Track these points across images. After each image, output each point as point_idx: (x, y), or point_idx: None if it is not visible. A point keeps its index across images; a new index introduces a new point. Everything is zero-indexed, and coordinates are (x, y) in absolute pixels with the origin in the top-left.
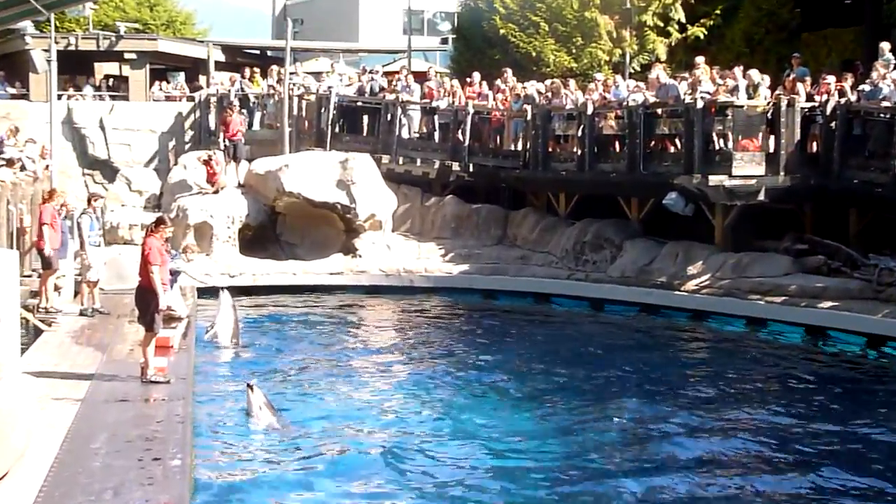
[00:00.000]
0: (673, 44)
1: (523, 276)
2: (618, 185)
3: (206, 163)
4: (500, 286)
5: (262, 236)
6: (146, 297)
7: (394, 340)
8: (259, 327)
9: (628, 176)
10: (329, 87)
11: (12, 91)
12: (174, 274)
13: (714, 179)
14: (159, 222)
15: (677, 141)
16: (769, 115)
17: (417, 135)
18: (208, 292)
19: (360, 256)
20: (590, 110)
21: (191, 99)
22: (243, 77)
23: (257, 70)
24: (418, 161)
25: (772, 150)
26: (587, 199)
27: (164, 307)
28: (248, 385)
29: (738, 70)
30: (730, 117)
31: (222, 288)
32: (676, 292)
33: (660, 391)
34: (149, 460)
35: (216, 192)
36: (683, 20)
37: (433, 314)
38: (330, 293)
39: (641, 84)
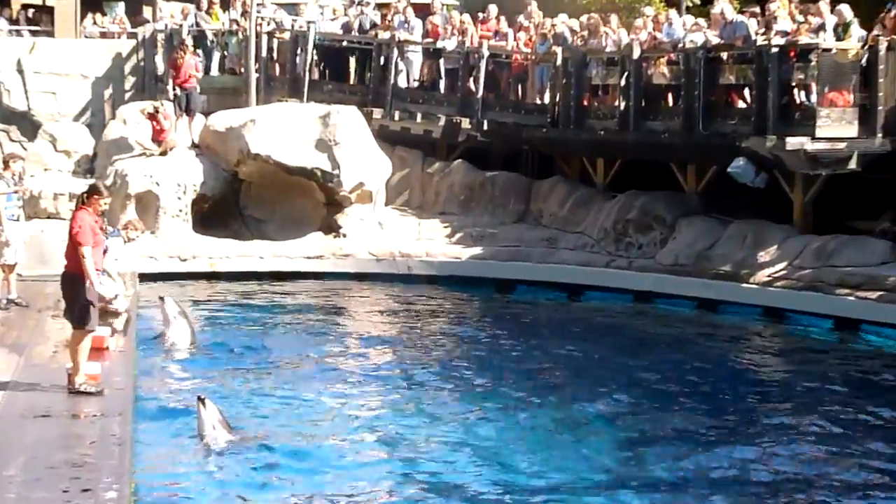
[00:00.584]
0: None
1: (550, 262)
2: (670, 148)
3: (152, 117)
4: (520, 275)
5: (221, 210)
6: (75, 286)
7: (384, 342)
8: (217, 324)
9: (684, 137)
10: (307, 23)
11: None
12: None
13: (793, 142)
14: (93, 192)
15: (746, 93)
16: (863, 61)
17: (418, 83)
18: (155, 279)
19: (344, 236)
20: (636, 54)
21: (132, 36)
22: (199, 9)
23: (216, 0)
24: (419, 117)
25: (866, 105)
26: (632, 167)
27: (97, 299)
28: (200, 399)
29: (823, 4)
30: (813, 64)
31: (161, 297)
32: (744, 285)
33: (725, 419)
34: (77, 492)
35: (164, 153)
36: None
37: (435, 310)
38: (306, 281)
39: (702, 21)
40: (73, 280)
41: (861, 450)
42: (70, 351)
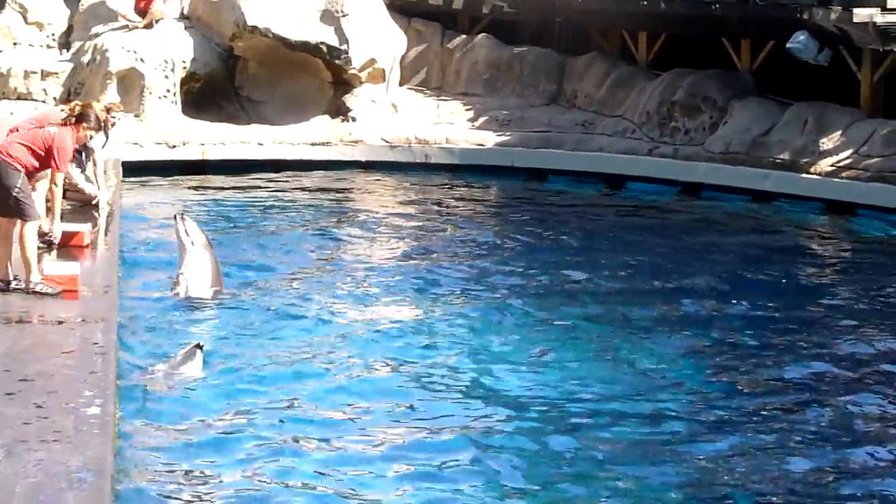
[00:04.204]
0: None
1: (586, 150)
2: (722, 20)
3: None
4: (553, 164)
5: (214, 91)
6: (9, 176)
7: (398, 241)
8: (207, 220)
9: (737, 8)
10: None
11: None
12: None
13: (861, 14)
14: (82, 119)
15: None
16: None
17: None
18: (140, 168)
19: (353, 120)
20: None
21: None
22: None
23: None
24: None
25: None
26: (678, 41)
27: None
28: (198, 346)
29: None
30: None
31: (178, 216)
32: (805, 175)
33: (787, 330)
34: (55, 407)
35: (149, 25)
36: None
37: (456, 203)
38: (310, 171)
39: None
40: (7, 170)
41: None
42: (21, 247)
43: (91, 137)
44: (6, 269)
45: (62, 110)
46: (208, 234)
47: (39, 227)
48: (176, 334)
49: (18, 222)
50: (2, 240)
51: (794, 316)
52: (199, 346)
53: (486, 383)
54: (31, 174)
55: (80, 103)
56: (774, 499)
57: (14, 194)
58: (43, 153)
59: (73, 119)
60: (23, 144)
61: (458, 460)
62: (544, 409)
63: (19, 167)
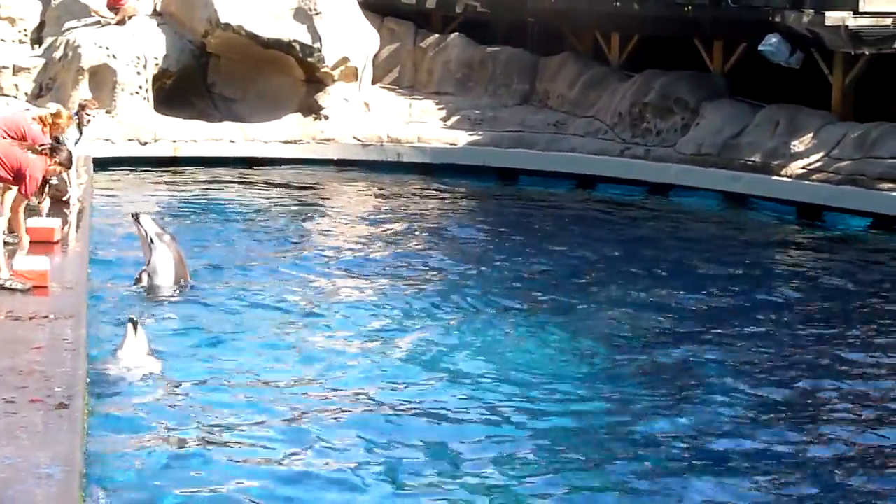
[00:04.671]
0: None
1: (558, 150)
2: (694, 22)
3: None
4: (524, 164)
5: (186, 87)
6: None
7: (369, 240)
8: (178, 217)
9: (710, 10)
10: None
11: None
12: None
13: (833, 17)
14: (55, 152)
15: None
16: None
17: None
18: (112, 164)
19: (325, 118)
20: None
21: None
22: None
23: None
24: None
25: None
26: (650, 43)
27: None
28: (132, 321)
29: None
30: None
31: (134, 215)
32: (776, 177)
33: (754, 331)
34: (24, 402)
35: (121, 21)
36: None
37: (428, 202)
38: (282, 168)
39: None
40: None
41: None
42: None
43: (59, 172)
44: None
45: (33, 118)
46: (168, 229)
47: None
48: (145, 329)
49: None
50: None
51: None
52: (132, 321)
53: (454, 375)
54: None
55: (51, 112)
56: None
57: None
58: (12, 174)
59: (46, 148)
60: None
61: (444, 468)
62: (513, 397)
63: None
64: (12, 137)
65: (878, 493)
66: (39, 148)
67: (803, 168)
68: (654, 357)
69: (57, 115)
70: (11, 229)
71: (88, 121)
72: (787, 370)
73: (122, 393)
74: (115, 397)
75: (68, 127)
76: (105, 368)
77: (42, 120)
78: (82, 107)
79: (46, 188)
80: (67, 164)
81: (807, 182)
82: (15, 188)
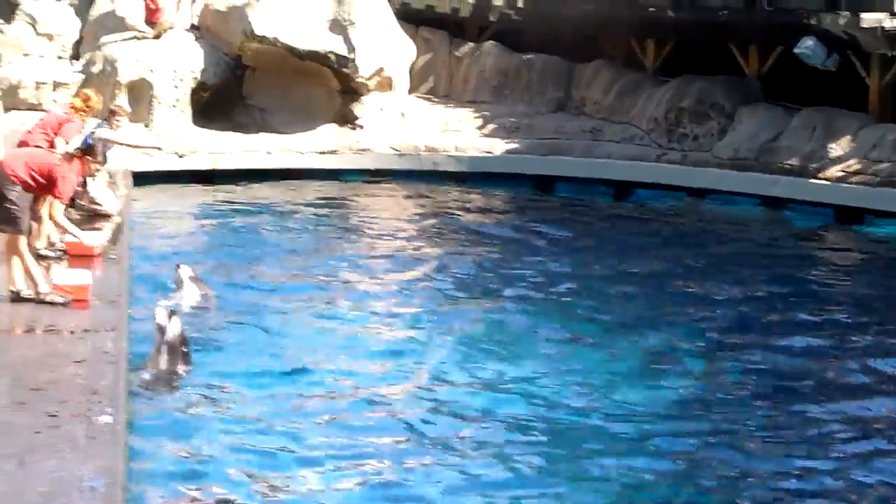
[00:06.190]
0: None
1: (594, 156)
2: (730, 26)
3: None
4: (561, 171)
5: (223, 100)
6: (6, 188)
7: (406, 249)
8: (217, 228)
9: (745, 14)
10: None
11: None
12: (95, 144)
13: (869, 19)
14: (89, 151)
15: None
16: None
17: None
18: (150, 178)
19: (361, 128)
20: None
21: None
22: None
23: None
24: None
25: None
26: (686, 48)
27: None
28: (171, 312)
29: None
30: None
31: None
32: (813, 180)
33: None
34: (66, 416)
35: (158, 36)
36: None
37: (464, 210)
38: (318, 180)
39: None
40: (6, 183)
41: None
42: (12, 258)
43: (96, 171)
44: (16, 279)
45: (65, 111)
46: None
47: (48, 236)
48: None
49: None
50: (10, 252)
51: (803, 317)
52: (170, 313)
53: (495, 388)
54: (30, 191)
55: (81, 98)
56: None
57: (6, 206)
58: (44, 179)
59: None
60: (27, 164)
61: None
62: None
63: (17, 182)
64: (53, 134)
65: None
66: (73, 151)
67: (841, 171)
68: (706, 364)
69: (86, 98)
70: (52, 242)
71: (118, 126)
72: (839, 377)
73: (160, 399)
74: (153, 403)
75: (99, 106)
76: (142, 373)
77: (74, 108)
78: (112, 112)
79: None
80: (103, 160)
81: (845, 185)
82: (54, 200)
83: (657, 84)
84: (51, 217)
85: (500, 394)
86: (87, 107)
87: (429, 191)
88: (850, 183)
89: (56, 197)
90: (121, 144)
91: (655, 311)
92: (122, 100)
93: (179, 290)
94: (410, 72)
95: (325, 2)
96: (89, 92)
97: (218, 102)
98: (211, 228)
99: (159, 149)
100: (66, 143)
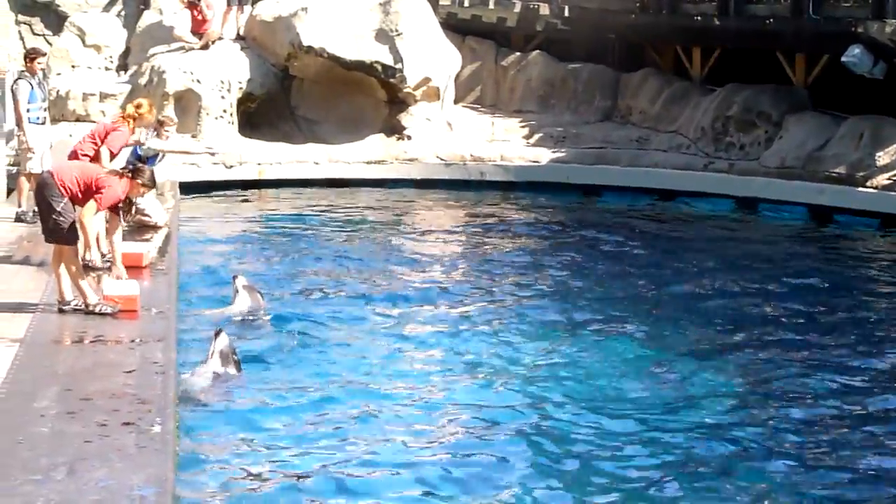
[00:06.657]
0: None
1: (641, 165)
2: (776, 35)
3: (192, 5)
4: (608, 180)
5: (270, 110)
6: (53, 199)
7: (454, 259)
8: (265, 238)
9: (792, 22)
10: None
11: None
12: (148, 158)
13: None
14: (137, 174)
15: None
16: None
17: None
18: (198, 188)
19: (408, 138)
20: None
21: None
22: None
23: None
24: (491, 2)
25: None
26: (732, 56)
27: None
28: (217, 332)
29: None
30: None
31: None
32: (861, 189)
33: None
34: (116, 425)
35: (205, 46)
36: None
37: (512, 220)
38: (365, 190)
39: None
40: (53, 193)
41: None
42: (67, 271)
43: (143, 194)
44: (64, 290)
45: (116, 120)
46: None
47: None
48: (230, 342)
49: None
50: (58, 262)
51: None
52: (217, 332)
53: (545, 396)
54: (77, 202)
55: (133, 104)
56: None
57: (54, 217)
58: (83, 188)
59: (128, 171)
60: (75, 176)
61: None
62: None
63: (66, 194)
64: (100, 141)
65: None
66: (121, 170)
67: (889, 179)
68: (760, 373)
69: (138, 105)
70: (102, 253)
71: (167, 136)
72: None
73: (210, 407)
74: (202, 411)
75: (150, 116)
76: (191, 382)
77: (125, 117)
78: (161, 122)
79: (132, 210)
80: (151, 183)
81: (892, 193)
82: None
83: (704, 93)
84: (107, 233)
85: (593, 414)
86: (139, 114)
87: (476, 200)
88: None
89: (96, 203)
90: (172, 152)
91: (703, 315)
92: (169, 110)
93: (235, 299)
94: (457, 82)
95: (372, 12)
96: (143, 100)
97: (265, 113)
98: (258, 238)
99: (211, 153)
100: (111, 151)
